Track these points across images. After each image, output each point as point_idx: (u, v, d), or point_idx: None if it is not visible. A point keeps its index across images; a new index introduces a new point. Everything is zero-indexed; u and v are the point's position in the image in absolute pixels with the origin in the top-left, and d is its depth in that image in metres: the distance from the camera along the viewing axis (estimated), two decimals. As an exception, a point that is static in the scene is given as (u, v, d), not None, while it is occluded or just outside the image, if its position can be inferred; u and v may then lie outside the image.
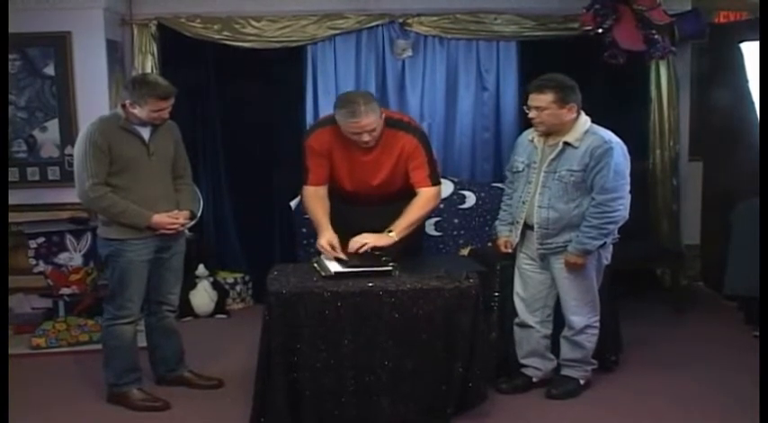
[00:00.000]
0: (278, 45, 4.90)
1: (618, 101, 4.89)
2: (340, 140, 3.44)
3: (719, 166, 5.24)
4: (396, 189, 3.54)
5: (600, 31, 4.60)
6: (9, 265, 4.08)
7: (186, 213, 3.55)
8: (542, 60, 4.67)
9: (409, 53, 5.00)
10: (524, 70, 4.96)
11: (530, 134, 3.51)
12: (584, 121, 3.40)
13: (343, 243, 3.41)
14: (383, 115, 3.41)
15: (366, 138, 3.34)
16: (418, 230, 3.72)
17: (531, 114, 3.39)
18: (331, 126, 3.47)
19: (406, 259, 3.40)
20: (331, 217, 3.51)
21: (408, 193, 3.56)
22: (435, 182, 3.54)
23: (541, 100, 3.33)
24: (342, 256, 3.38)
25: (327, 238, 3.42)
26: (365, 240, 3.37)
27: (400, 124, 3.52)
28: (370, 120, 3.30)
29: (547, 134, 3.42)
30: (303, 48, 4.96)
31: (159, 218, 3.41)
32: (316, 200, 3.54)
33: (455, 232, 4.82)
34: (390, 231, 3.40)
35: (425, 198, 3.50)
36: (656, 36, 4.62)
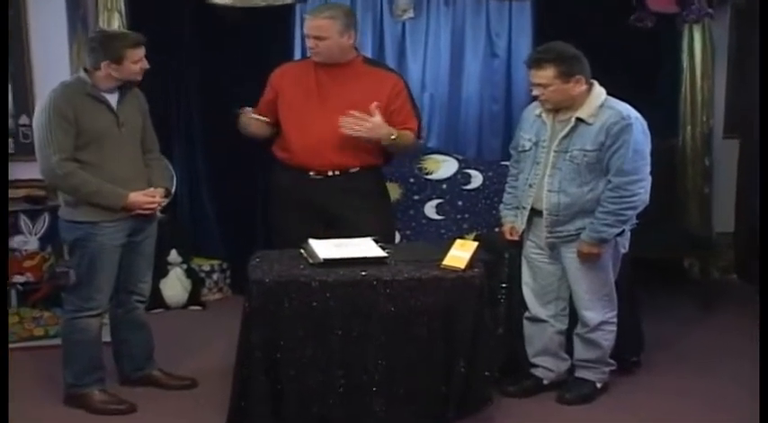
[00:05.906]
0: (262, 3, 4.86)
1: (645, 70, 4.89)
2: (306, 73, 3.65)
3: (758, 144, 5.24)
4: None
5: (626, -11, 4.60)
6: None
7: (162, 191, 3.55)
8: (560, 22, 4.67)
9: (410, 14, 4.97)
10: (540, 34, 4.92)
11: (537, 108, 3.49)
12: (599, 93, 3.37)
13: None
14: (351, 41, 3.59)
15: (311, 43, 3.55)
16: (388, 211, 3.89)
17: (536, 92, 3.38)
18: (302, 61, 3.76)
19: (404, 246, 3.41)
20: (289, 205, 3.72)
21: (369, 166, 3.70)
22: (420, 137, 3.88)
23: (542, 76, 3.31)
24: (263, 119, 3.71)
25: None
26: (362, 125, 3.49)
27: (381, 64, 3.83)
28: (322, 24, 3.51)
29: (556, 110, 3.41)
30: (291, 7, 4.93)
31: (135, 197, 3.40)
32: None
33: (459, 216, 4.83)
34: (392, 135, 3.56)
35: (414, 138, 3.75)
36: (690, -5, 4.61)
